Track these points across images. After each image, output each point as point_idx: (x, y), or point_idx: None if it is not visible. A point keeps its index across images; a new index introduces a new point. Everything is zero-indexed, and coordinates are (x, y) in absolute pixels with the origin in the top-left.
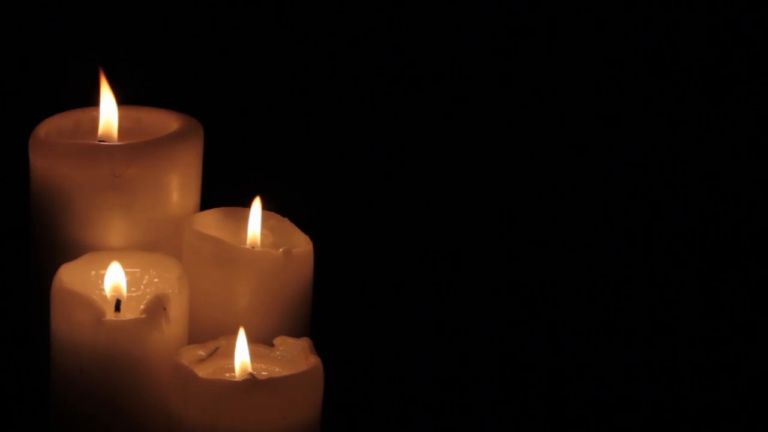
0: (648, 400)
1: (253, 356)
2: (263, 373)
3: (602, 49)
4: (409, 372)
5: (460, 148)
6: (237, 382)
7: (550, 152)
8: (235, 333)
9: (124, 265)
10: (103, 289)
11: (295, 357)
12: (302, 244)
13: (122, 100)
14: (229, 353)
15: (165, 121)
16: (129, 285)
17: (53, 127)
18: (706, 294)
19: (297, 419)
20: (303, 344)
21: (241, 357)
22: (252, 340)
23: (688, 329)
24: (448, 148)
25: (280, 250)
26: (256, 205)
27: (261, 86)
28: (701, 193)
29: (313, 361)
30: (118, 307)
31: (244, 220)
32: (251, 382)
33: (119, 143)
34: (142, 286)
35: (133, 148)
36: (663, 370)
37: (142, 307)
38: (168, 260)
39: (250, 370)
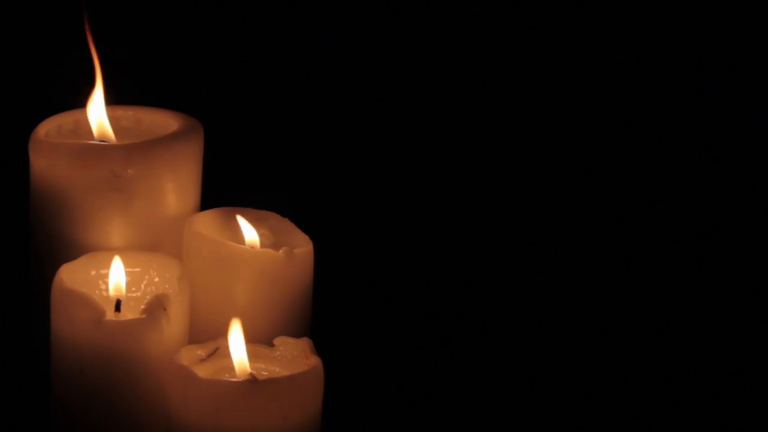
0: (647, 400)
1: (253, 356)
2: (263, 373)
3: (601, 49)
4: (409, 372)
5: (460, 147)
6: (237, 383)
7: (550, 152)
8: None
9: (125, 265)
10: (103, 289)
11: (295, 357)
12: (302, 244)
13: (122, 100)
14: (229, 353)
15: (165, 121)
16: (129, 285)
17: (53, 127)
18: (705, 294)
19: (297, 419)
20: (303, 344)
21: (238, 352)
22: (252, 340)
23: (688, 329)
24: (448, 148)
25: (281, 250)
26: (241, 219)
27: (261, 86)
28: (701, 193)
29: (313, 361)
30: (118, 307)
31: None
32: (251, 382)
33: (119, 143)
34: (142, 286)
35: (133, 148)
36: (663, 369)
37: (142, 307)
38: (168, 260)
39: (249, 369)
